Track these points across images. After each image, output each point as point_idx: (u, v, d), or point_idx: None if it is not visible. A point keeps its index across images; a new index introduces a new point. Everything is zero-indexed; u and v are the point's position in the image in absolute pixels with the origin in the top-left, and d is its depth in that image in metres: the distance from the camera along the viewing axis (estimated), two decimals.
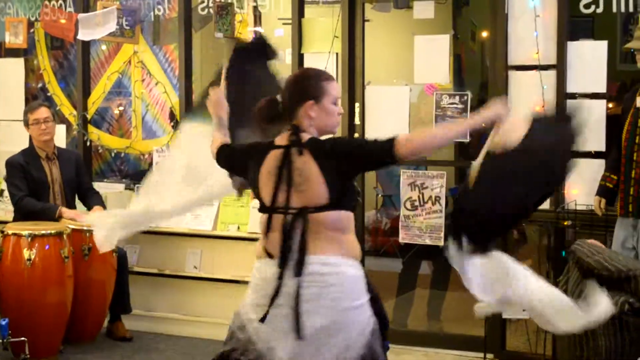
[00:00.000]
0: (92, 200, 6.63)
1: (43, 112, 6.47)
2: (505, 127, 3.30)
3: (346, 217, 3.43)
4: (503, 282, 3.38)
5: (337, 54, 6.64)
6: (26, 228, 5.95)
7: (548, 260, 5.99)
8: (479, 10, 8.79)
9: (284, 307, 3.34)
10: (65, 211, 6.37)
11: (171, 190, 4.25)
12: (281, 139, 3.51)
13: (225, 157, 3.77)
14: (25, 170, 6.42)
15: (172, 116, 7.48)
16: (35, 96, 8.15)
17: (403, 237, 6.43)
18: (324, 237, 3.36)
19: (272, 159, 3.46)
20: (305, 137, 3.46)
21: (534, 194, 3.42)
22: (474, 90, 7.37)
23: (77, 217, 6.34)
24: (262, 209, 3.50)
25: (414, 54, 6.40)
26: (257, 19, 7.25)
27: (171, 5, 7.39)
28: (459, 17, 9.31)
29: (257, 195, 3.53)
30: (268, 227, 3.45)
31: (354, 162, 3.41)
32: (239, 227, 6.63)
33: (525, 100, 6.01)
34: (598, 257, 4.32)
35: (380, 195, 8.90)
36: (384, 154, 3.30)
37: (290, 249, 3.35)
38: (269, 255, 3.43)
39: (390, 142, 3.27)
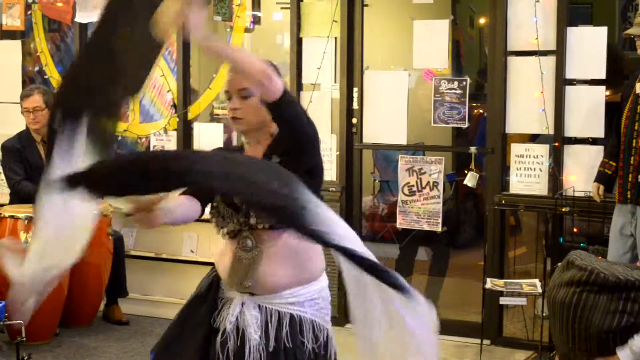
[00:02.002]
0: None
1: (33, 101, 6.33)
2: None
3: None
4: None
5: (335, 38, 6.62)
6: (23, 211, 5.93)
7: (546, 247, 5.98)
8: None
9: None
10: None
11: None
12: None
13: None
14: (21, 154, 6.38)
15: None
16: (32, 79, 8.12)
17: (400, 223, 6.43)
18: None
19: None
20: None
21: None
22: (472, 76, 7.36)
23: None
24: None
25: (413, 39, 6.37)
26: (256, 2, 7.23)
27: None
28: (457, 2, 9.30)
29: None
30: None
31: None
32: None
33: (524, 86, 6.01)
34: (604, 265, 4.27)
35: (377, 181, 8.90)
36: None
37: None
38: None
39: None
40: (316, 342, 3.14)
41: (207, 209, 3.24)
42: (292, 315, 3.13)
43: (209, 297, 3.24)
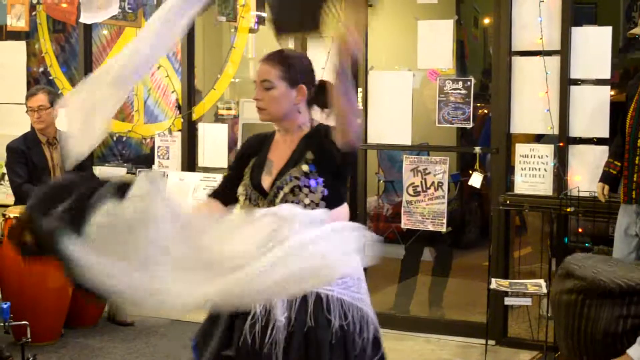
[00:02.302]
0: None
1: (38, 100, 6.32)
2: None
3: None
4: None
5: None
6: None
7: (550, 247, 5.98)
8: None
9: None
10: None
11: None
12: None
13: None
14: (26, 156, 6.34)
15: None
16: (37, 80, 8.13)
17: (405, 223, 6.42)
18: None
19: None
20: None
21: None
22: (477, 76, 7.36)
23: None
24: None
25: (417, 39, 6.37)
26: (260, 3, 7.23)
27: None
28: (462, 2, 9.30)
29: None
30: None
31: None
32: None
33: (529, 86, 6.00)
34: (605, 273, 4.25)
35: (381, 181, 8.90)
36: None
37: None
38: None
39: None
40: (345, 319, 3.17)
41: None
42: (318, 294, 3.17)
43: None
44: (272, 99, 3.25)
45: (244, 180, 3.34)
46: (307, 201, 3.16)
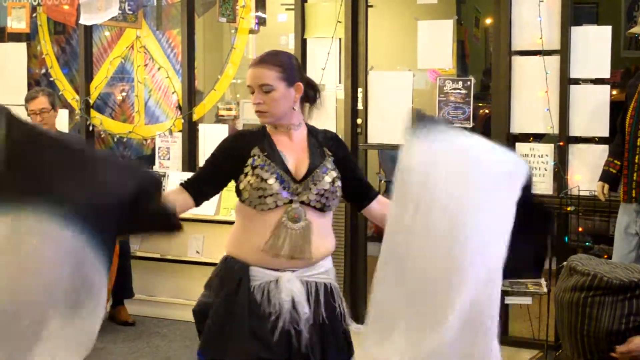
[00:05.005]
0: None
1: (39, 103, 6.33)
2: None
3: None
4: None
5: (340, 39, 6.63)
6: None
7: (551, 246, 5.98)
8: None
9: None
10: None
11: None
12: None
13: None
14: None
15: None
16: (37, 81, 8.14)
17: None
18: None
19: None
20: None
21: None
22: (477, 76, 7.36)
23: None
24: None
25: (418, 39, 6.37)
26: (260, 4, 7.24)
27: None
28: (462, 2, 9.31)
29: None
30: None
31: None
32: None
33: (529, 85, 6.01)
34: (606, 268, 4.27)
35: (382, 181, 8.90)
36: None
37: None
38: None
39: None
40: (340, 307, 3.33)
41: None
42: (325, 284, 3.31)
43: (242, 290, 3.22)
44: (273, 100, 3.25)
45: (265, 165, 3.21)
46: (339, 193, 3.30)
